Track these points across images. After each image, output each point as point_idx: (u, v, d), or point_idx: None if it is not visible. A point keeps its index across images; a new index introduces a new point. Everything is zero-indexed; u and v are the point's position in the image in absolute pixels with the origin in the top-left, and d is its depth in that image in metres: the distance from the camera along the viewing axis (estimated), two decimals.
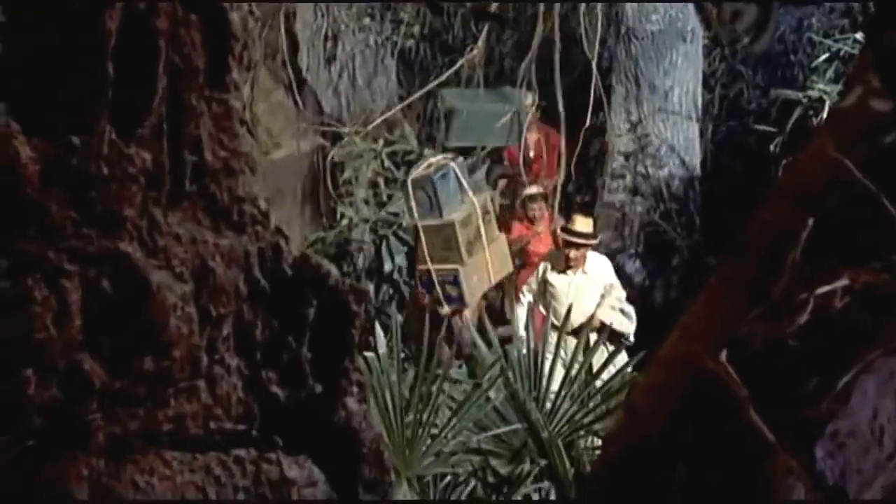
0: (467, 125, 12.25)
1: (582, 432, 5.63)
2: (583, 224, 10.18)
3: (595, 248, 10.27)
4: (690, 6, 13.16)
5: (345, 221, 11.73)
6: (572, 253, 9.91)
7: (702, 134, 13.31)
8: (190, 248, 3.23)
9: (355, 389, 3.44)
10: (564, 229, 10.22)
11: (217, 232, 3.30)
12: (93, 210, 3.08)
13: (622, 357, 7.49)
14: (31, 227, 3.02)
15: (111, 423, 3.07)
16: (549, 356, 6.03)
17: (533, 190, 11.67)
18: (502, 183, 12.90)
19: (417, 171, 9.71)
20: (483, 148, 12.28)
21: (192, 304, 3.19)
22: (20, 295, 3.00)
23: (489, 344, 6.39)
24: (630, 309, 9.69)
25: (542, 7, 11.68)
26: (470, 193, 9.66)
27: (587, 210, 11.69)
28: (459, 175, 9.72)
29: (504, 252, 10.05)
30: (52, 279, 3.03)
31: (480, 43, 12.22)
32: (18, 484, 2.95)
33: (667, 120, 12.82)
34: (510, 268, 10.24)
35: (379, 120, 12.27)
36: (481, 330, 7.11)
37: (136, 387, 3.10)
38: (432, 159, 9.99)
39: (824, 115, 12.05)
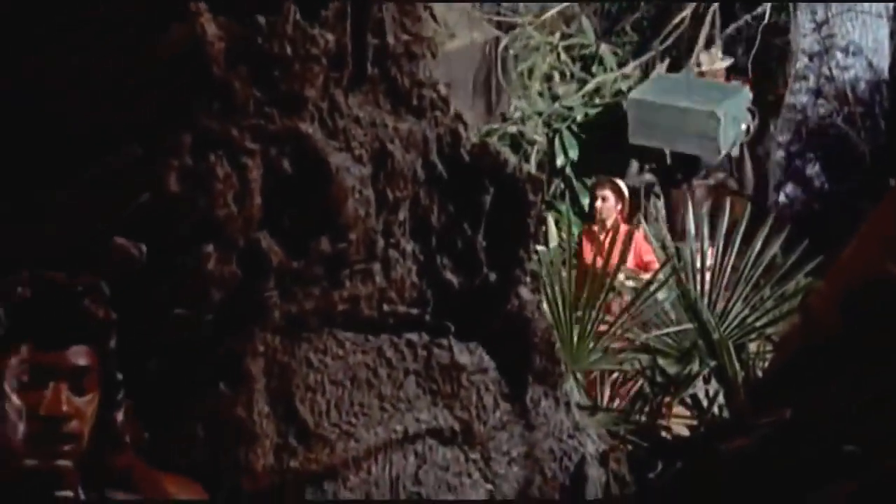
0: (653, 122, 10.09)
1: (753, 335, 5.53)
2: None
3: None
4: None
5: (518, 114, 11.66)
6: None
7: (892, 35, 12.81)
8: (369, 130, 3.23)
9: (528, 279, 3.43)
10: None
11: (397, 116, 3.29)
12: (275, 90, 3.10)
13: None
14: (215, 104, 3.06)
15: (287, 301, 3.11)
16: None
17: None
18: None
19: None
20: None
21: (369, 188, 3.20)
22: (203, 172, 3.04)
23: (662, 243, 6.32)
24: None
25: None
26: None
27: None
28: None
29: None
30: (234, 157, 3.06)
31: None
32: (198, 357, 3.02)
33: (855, 19, 12.35)
34: None
35: (554, 10, 12.12)
36: None
37: (313, 267, 3.13)
38: None
39: None
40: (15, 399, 2.36)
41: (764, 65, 12.90)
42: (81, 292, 2.41)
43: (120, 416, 2.48)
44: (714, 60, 11.02)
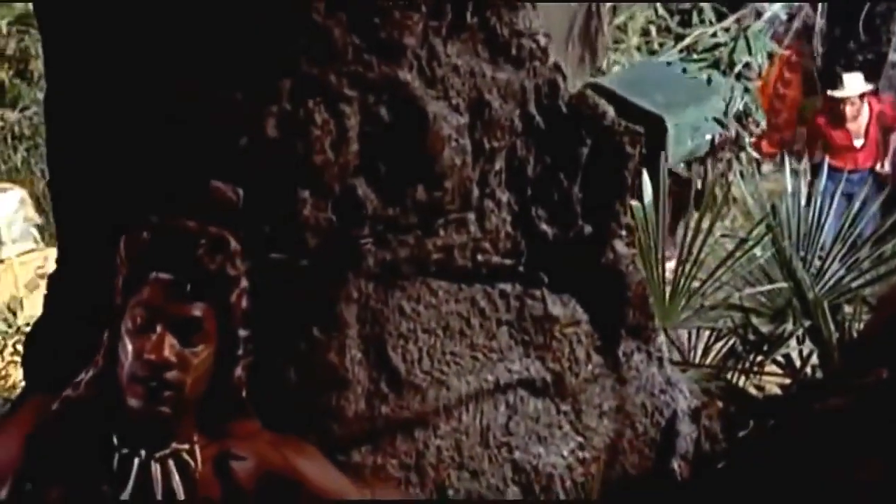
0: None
1: (849, 296, 5.45)
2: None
3: None
4: None
5: (616, 68, 11.55)
6: None
7: None
8: (467, 80, 3.22)
9: (624, 232, 3.40)
10: None
11: (495, 65, 3.27)
12: (374, 37, 3.09)
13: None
14: (314, 50, 3.06)
15: (382, 248, 3.12)
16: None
17: None
18: None
19: None
20: None
21: (466, 137, 3.19)
22: (301, 118, 3.05)
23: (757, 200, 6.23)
24: None
25: None
26: None
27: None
28: None
29: None
30: (332, 104, 3.07)
31: None
32: (292, 302, 3.04)
33: None
34: None
35: None
36: None
37: (408, 215, 3.14)
38: None
39: None
40: (127, 340, 2.40)
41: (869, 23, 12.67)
42: (199, 243, 2.44)
43: (238, 373, 2.50)
44: (856, 86, 10.75)
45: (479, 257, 3.21)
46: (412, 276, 3.14)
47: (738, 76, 10.53)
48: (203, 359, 2.42)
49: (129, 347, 2.40)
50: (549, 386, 3.23)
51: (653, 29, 12.20)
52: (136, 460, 2.43)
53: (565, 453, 3.20)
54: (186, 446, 2.46)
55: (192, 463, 2.45)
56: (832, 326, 4.94)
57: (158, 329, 2.39)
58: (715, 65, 10.87)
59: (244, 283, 2.50)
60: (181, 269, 2.43)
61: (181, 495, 2.43)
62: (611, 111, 3.39)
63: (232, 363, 2.49)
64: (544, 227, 3.30)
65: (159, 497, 2.43)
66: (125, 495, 2.42)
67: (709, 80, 10.42)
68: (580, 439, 3.24)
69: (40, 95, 10.37)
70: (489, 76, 3.25)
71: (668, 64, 10.77)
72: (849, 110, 10.67)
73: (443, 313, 3.15)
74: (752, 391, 4.63)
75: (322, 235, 3.07)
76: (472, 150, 3.20)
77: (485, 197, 3.23)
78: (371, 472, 2.99)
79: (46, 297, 3.54)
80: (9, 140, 10.89)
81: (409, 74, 3.13)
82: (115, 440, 2.43)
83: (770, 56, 11.06)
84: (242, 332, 2.50)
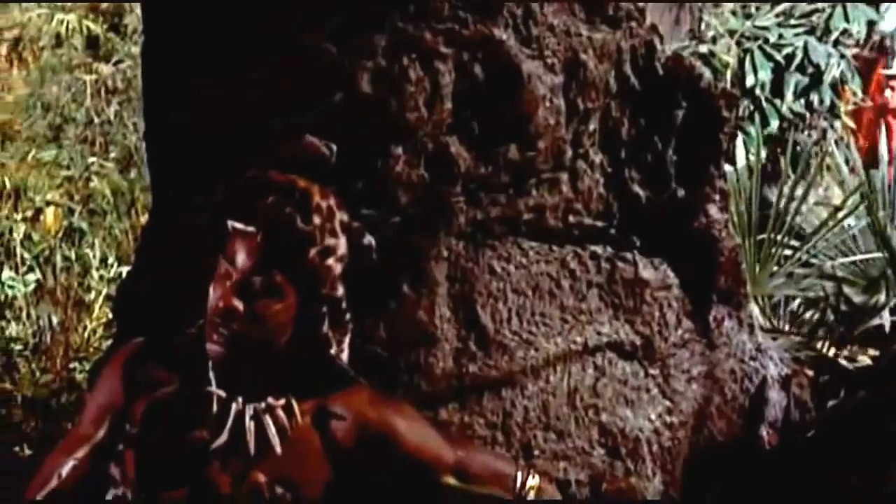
0: None
1: None
2: None
3: None
4: None
5: (711, 33, 11.41)
6: None
7: None
8: (563, 39, 3.19)
9: (718, 197, 3.36)
10: None
11: (591, 25, 3.24)
12: None
13: None
14: (410, 7, 3.05)
15: (473, 207, 3.12)
16: None
17: None
18: None
19: None
20: None
21: (560, 97, 3.17)
22: (395, 74, 3.05)
23: (852, 169, 6.15)
24: None
25: None
26: None
27: None
28: None
29: None
30: (426, 61, 3.06)
31: None
32: (382, 258, 3.04)
33: None
34: None
35: None
36: None
37: (500, 174, 3.13)
38: None
39: None
40: (210, 288, 2.42)
41: None
42: (276, 195, 2.45)
43: (324, 331, 2.50)
44: None
45: (571, 218, 3.20)
46: (503, 235, 3.14)
47: (836, 43, 10.35)
48: (275, 312, 2.43)
49: (209, 295, 2.42)
50: (638, 349, 3.21)
51: None
52: (234, 408, 2.45)
53: (653, 417, 3.18)
54: (282, 402, 2.48)
55: (287, 418, 2.47)
56: None
57: (233, 278, 2.41)
58: (811, 31, 10.69)
59: (329, 241, 2.48)
60: (258, 220, 2.44)
61: (277, 449, 2.45)
62: (707, 73, 3.35)
63: (314, 321, 2.49)
64: (637, 189, 3.27)
65: (252, 449, 2.45)
66: (219, 443, 2.45)
67: (805, 47, 10.26)
68: (668, 403, 3.21)
69: (134, 49, 10.47)
70: (585, 36, 3.22)
71: (765, 28, 10.62)
72: None
73: (533, 274, 3.14)
74: (843, 362, 4.57)
75: (414, 192, 3.07)
76: (566, 111, 3.18)
77: (578, 158, 3.21)
78: (457, 430, 2.99)
79: (139, 248, 3.60)
80: (102, 94, 11.00)
81: (504, 33, 3.12)
82: (214, 388, 2.46)
83: (870, 25, 10.83)
84: (326, 291, 2.50)
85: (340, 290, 2.51)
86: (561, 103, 3.16)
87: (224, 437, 2.44)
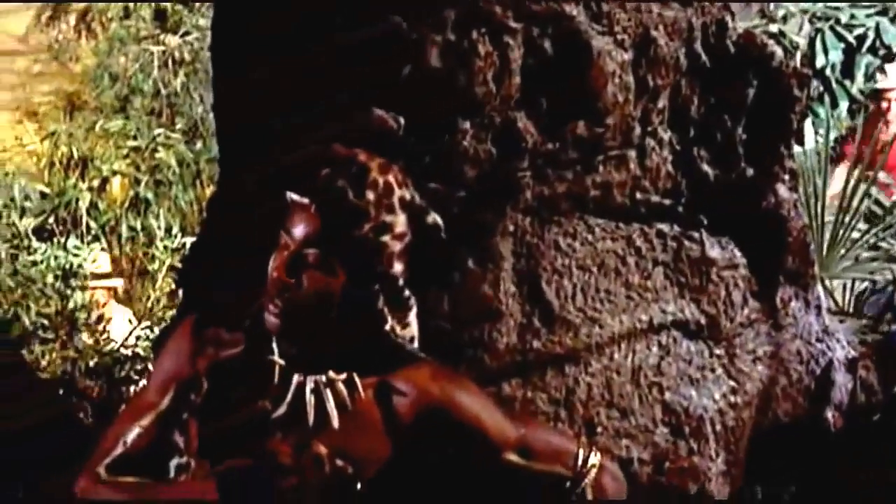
0: None
1: None
2: None
3: None
4: None
5: (781, 12, 11.29)
6: None
7: None
8: (633, 15, 3.17)
9: (787, 177, 3.33)
10: None
11: (662, 2, 3.21)
12: None
13: None
14: None
15: (539, 183, 3.11)
16: None
17: None
18: None
19: None
20: None
21: (630, 73, 3.15)
22: (464, 48, 3.04)
23: None
24: None
25: None
26: None
27: None
28: None
29: None
30: (496, 35, 3.05)
31: None
32: (447, 233, 3.04)
33: None
34: None
35: None
36: None
37: (567, 150, 3.11)
38: None
39: None
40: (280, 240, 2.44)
41: None
42: (335, 171, 2.44)
43: (379, 306, 2.50)
44: None
45: (638, 196, 3.18)
46: (569, 211, 3.12)
47: None
48: (322, 286, 2.43)
49: (269, 266, 2.44)
50: (704, 328, 3.18)
51: None
52: (295, 379, 2.47)
53: (717, 397, 3.16)
54: (343, 376, 2.49)
55: (349, 392, 2.48)
56: None
57: (291, 250, 2.42)
58: (883, 12, 10.56)
59: (385, 217, 2.47)
60: (313, 193, 2.44)
61: (335, 422, 2.46)
62: (779, 51, 3.31)
63: (368, 298, 2.48)
64: (706, 167, 3.24)
65: (312, 421, 2.46)
66: (279, 413, 2.47)
67: (877, 28, 10.14)
68: (733, 383, 3.19)
69: (202, 21, 10.53)
70: (656, 12, 3.20)
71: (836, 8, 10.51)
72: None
73: (599, 251, 3.13)
74: None
75: (480, 168, 3.07)
76: (636, 87, 3.16)
77: (646, 135, 3.19)
78: (520, 406, 2.99)
79: (205, 219, 3.62)
80: (169, 65, 11.08)
81: (574, 8, 3.10)
82: (276, 358, 2.47)
83: None
84: (381, 268, 2.49)
85: (398, 268, 2.49)
86: (630, 80, 3.14)
87: (284, 408, 2.46)
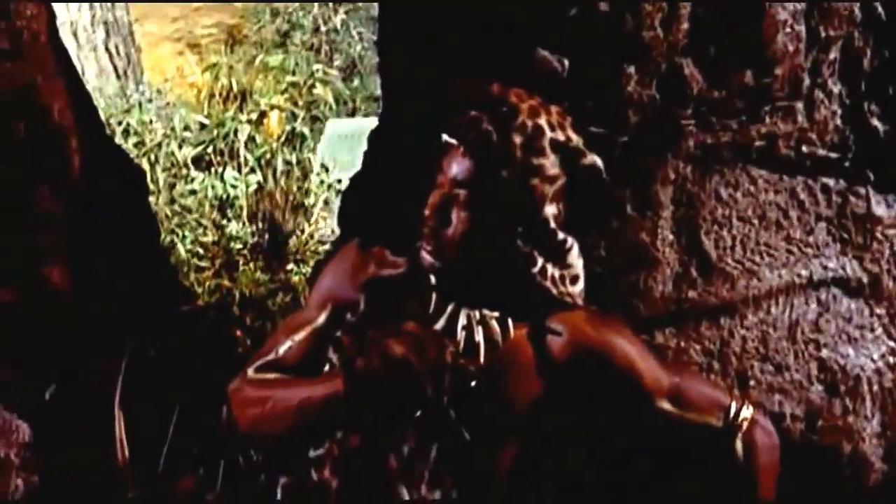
0: None
1: None
2: None
3: None
4: None
5: None
6: None
7: None
8: None
9: None
10: None
11: None
12: None
13: None
14: None
15: (703, 131, 3.07)
16: None
17: None
18: None
19: None
20: None
21: (802, 23, 3.08)
22: None
23: None
24: None
25: None
26: None
27: None
28: None
29: None
30: None
31: None
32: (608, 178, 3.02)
33: None
34: None
35: None
36: None
37: (733, 99, 3.06)
38: None
39: None
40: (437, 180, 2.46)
41: None
42: (481, 112, 2.42)
43: (526, 249, 2.47)
44: None
45: (804, 148, 3.12)
46: (732, 161, 3.08)
47: None
48: (461, 221, 2.42)
49: (426, 204, 2.45)
50: (865, 287, 3.12)
51: None
52: (448, 309, 2.48)
53: (875, 357, 3.10)
54: (497, 314, 2.49)
55: (501, 331, 2.48)
56: None
57: (445, 190, 2.43)
58: None
59: (534, 160, 2.43)
60: (461, 134, 2.43)
61: (481, 358, 2.46)
62: None
63: (515, 241, 2.45)
64: (876, 122, 3.16)
65: (460, 351, 2.46)
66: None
67: None
68: (892, 344, 3.12)
69: None
70: None
71: None
72: None
73: (760, 202, 3.08)
74: None
75: (644, 113, 3.04)
76: (807, 38, 3.09)
77: (815, 87, 3.12)
78: (673, 356, 2.97)
79: (366, 153, 3.65)
80: (329, 3, 11.17)
81: None
82: (433, 284, 2.49)
83: None
84: (532, 211, 2.46)
85: (549, 210, 2.44)
86: (802, 30, 3.07)
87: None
